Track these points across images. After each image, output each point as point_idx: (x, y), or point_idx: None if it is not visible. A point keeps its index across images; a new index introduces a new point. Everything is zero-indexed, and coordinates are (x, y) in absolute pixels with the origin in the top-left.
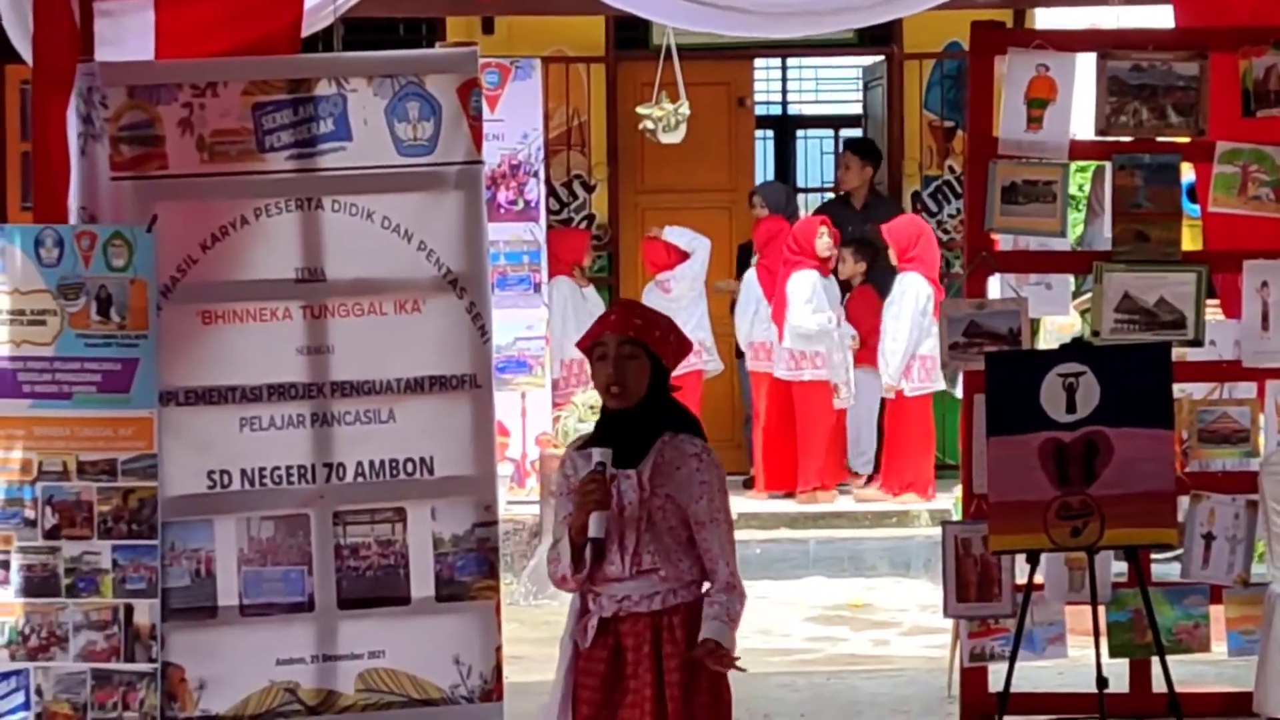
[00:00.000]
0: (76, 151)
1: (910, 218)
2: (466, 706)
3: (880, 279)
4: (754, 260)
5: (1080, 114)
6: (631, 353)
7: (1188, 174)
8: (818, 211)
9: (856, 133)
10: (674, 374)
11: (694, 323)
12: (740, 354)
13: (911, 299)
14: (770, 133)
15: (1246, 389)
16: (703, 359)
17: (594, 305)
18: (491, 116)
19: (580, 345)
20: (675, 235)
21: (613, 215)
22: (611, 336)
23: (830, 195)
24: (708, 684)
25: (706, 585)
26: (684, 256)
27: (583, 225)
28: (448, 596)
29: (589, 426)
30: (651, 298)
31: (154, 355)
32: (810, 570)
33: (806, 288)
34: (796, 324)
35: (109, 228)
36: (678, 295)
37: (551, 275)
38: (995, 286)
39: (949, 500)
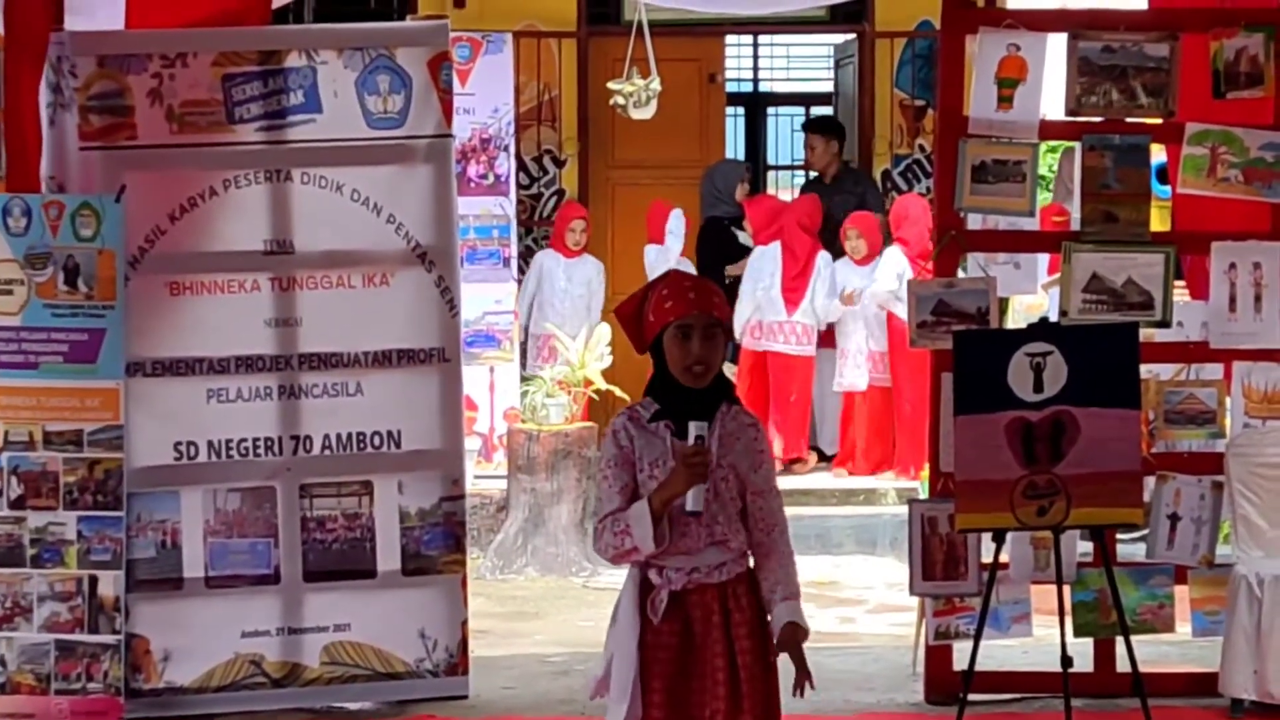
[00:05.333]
0: (45, 121)
1: (907, 197)
2: (432, 680)
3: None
4: (751, 242)
5: (1051, 94)
6: (714, 332)
7: (1159, 155)
8: (804, 192)
9: (827, 110)
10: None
11: None
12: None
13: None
14: (741, 109)
15: (1213, 370)
16: None
17: (580, 277)
18: (462, 90)
19: (627, 313)
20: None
21: (583, 190)
22: (699, 316)
23: (802, 173)
24: (767, 652)
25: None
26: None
27: (552, 200)
28: (414, 570)
29: (556, 402)
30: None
31: (121, 326)
32: None
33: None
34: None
35: (77, 197)
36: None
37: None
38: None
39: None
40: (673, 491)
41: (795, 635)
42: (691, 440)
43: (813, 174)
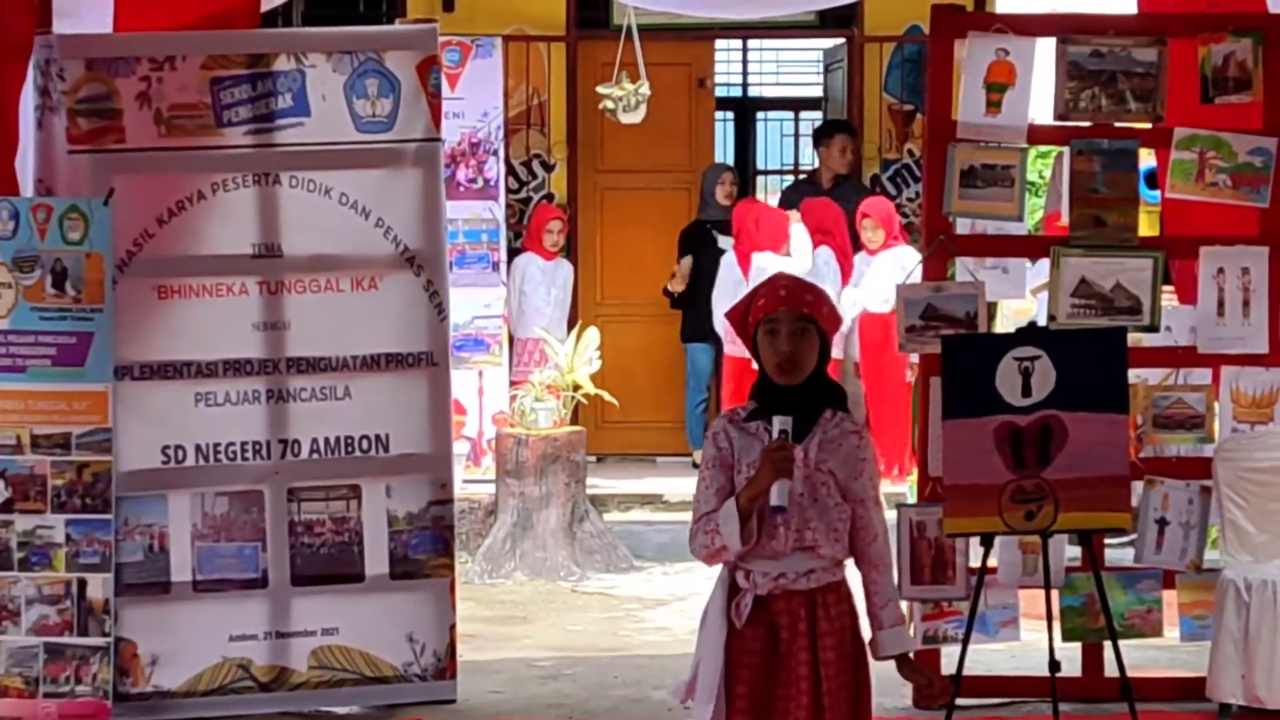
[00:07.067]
0: (33, 124)
1: (883, 198)
2: (420, 684)
3: None
4: (730, 243)
5: (1039, 98)
6: (803, 329)
7: (1148, 160)
8: (796, 194)
9: (816, 115)
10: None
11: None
12: (694, 337)
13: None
14: (730, 114)
15: (1201, 375)
16: None
17: (560, 279)
18: (451, 94)
19: (734, 316)
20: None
21: (571, 195)
22: (786, 313)
23: (792, 178)
24: (857, 665)
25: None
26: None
27: (540, 204)
28: (402, 574)
29: (545, 406)
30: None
31: (110, 329)
32: None
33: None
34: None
35: (65, 201)
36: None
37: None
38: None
39: (905, 483)
40: (758, 488)
41: (911, 666)
42: (775, 434)
43: (788, 178)
